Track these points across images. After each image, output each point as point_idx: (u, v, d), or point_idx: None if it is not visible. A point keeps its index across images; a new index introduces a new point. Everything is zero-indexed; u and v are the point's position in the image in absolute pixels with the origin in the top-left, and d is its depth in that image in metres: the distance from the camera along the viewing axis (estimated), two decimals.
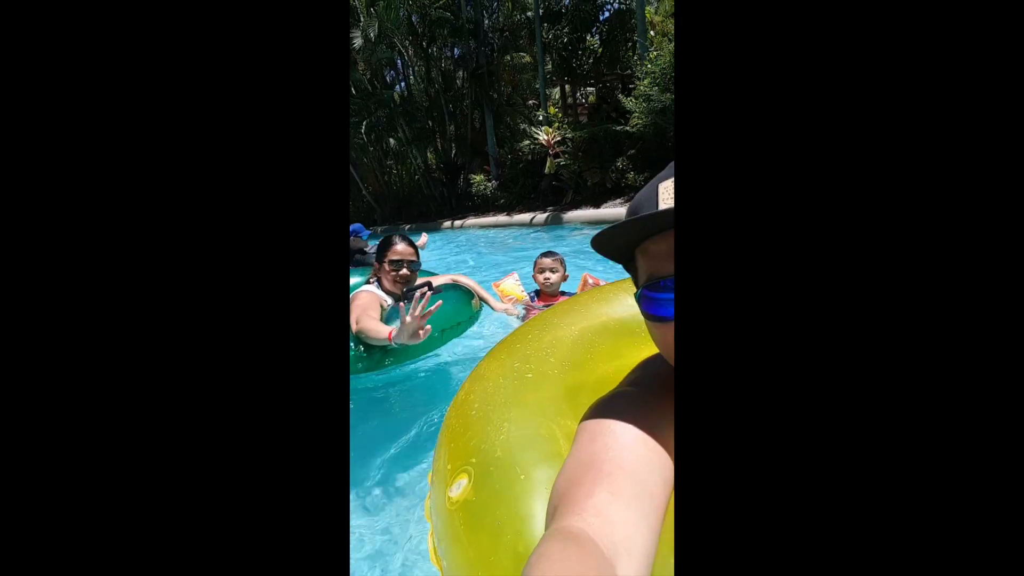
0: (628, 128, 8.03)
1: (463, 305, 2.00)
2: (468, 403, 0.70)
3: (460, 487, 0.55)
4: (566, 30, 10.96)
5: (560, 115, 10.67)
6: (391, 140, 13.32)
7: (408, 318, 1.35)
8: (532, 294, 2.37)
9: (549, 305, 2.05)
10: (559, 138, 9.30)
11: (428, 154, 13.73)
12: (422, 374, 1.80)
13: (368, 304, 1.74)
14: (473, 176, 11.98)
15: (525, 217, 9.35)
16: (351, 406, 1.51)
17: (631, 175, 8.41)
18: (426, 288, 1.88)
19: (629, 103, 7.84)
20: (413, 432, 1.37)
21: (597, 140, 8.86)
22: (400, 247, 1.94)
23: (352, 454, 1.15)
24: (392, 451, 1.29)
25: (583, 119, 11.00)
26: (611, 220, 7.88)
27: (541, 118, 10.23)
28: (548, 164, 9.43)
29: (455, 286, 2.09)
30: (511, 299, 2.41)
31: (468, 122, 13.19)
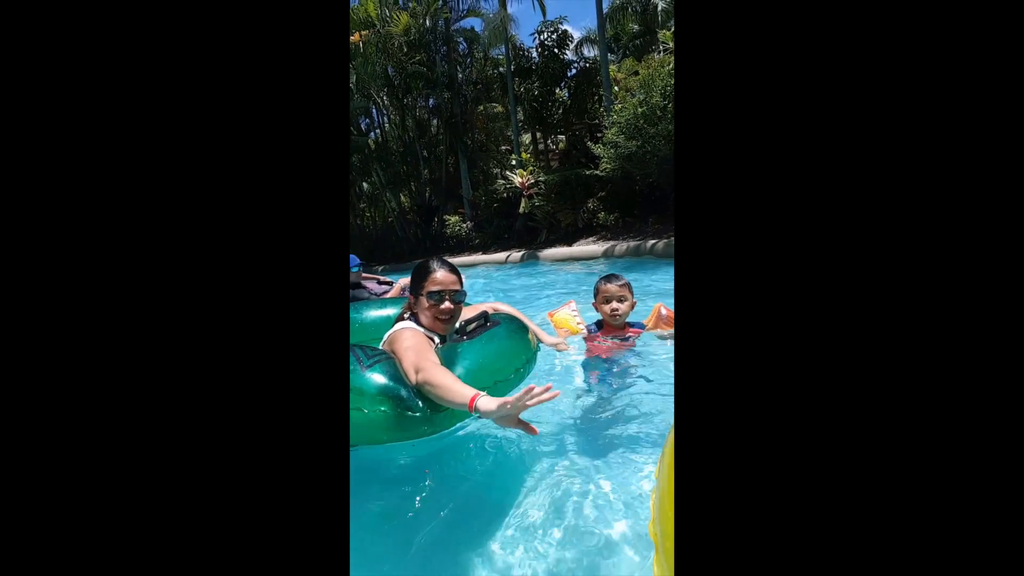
0: (598, 172, 8.56)
1: (522, 344, 1.40)
2: None
3: None
4: (536, 84, 11.78)
5: (532, 160, 11.24)
6: (364, 184, 13.55)
7: (516, 400, 0.91)
8: (592, 326, 1.98)
9: (617, 339, 1.87)
10: (533, 180, 9.75)
11: (402, 197, 13.99)
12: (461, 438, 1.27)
13: (422, 346, 1.23)
14: (448, 217, 12.27)
15: (500, 256, 9.58)
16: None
17: (602, 215, 8.88)
18: (486, 322, 1.42)
19: (598, 149, 8.40)
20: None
21: (569, 183, 9.36)
22: (440, 274, 1.41)
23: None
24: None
25: (554, 164, 11.63)
26: (584, 257, 8.24)
27: (514, 162, 10.74)
28: (523, 204, 9.82)
29: (510, 319, 1.50)
30: (565, 332, 2.04)
31: (443, 166, 13.64)
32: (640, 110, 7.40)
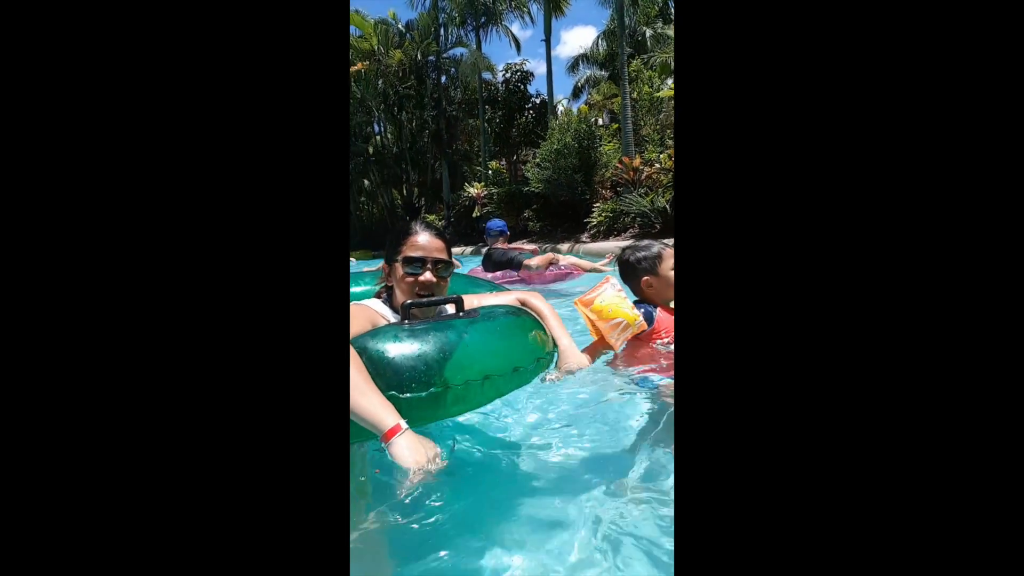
0: (532, 189, 11.17)
1: (523, 342, 1.01)
2: None
3: None
4: (500, 113, 14.45)
5: (504, 171, 13.87)
6: (365, 181, 16.37)
7: (433, 463, 0.69)
8: (642, 315, 1.22)
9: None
10: (486, 192, 12.43)
11: (394, 194, 16.80)
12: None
13: (355, 324, 0.90)
14: (427, 216, 15.00)
15: (457, 249, 12.35)
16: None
17: (532, 223, 11.52)
18: (455, 307, 0.99)
19: (529, 172, 11.03)
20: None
21: (512, 196, 11.99)
22: (422, 238, 1.05)
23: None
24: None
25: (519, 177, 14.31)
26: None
27: (489, 174, 13.43)
28: (476, 211, 12.52)
29: (516, 312, 1.07)
30: (618, 324, 1.18)
31: (429, 172, 16.35)
32: (555, 147, 9.99)
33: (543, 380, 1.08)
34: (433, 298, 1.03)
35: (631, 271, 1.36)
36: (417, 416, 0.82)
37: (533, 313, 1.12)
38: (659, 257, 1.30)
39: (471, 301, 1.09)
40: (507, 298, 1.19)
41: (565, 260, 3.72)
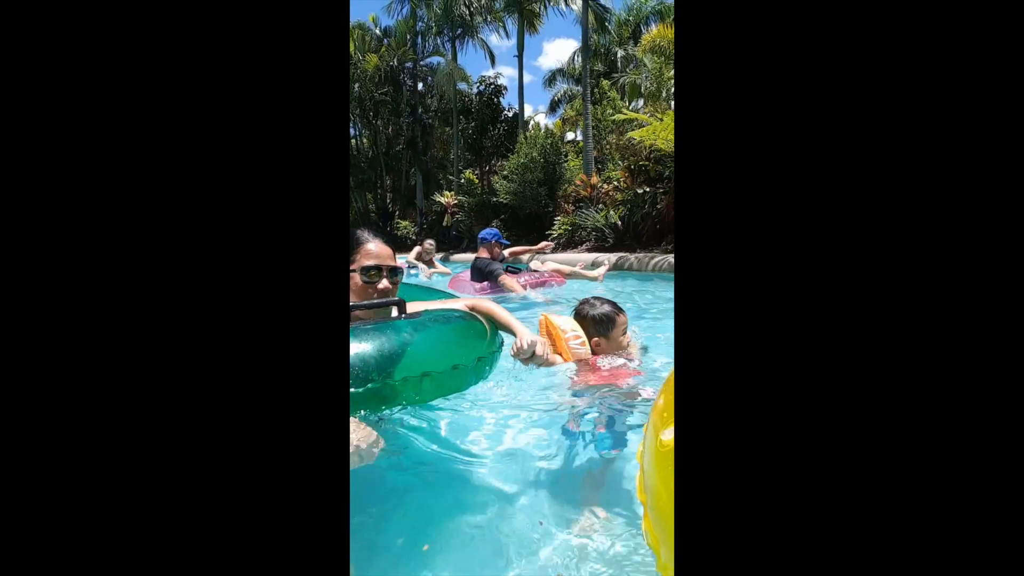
0: (500, 200, 11.44)
1: (463, 341, 1.07)
2: None
3: (671, 433, 0.58)
4: (473, 124, 14.74)
5: (476, 180, 14.13)
6: None
7: None
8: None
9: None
10: (456, 201, 12.67)
11: (368, 198, 16.89)
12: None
13: None
14: (401, 222, 15.13)
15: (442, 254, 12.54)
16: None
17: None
18: (396, 309, 1.05)
19: (497, 184, 11.32)
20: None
21: (483, 205, 12.25)
22: (375, 246, 1.08)
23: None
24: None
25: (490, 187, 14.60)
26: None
27: (463, 182, 13.67)
28: (446, 219, 12.74)
29: (460, 314, 1.13)
30: (577, 336, 1.35)
31: (403, 178, 16.49)
32: (522, 160, 10.30)
33: (514, 358, 1.14)
34: (374, 301, 1.06)
35: (584, 324, 1.42)
36: (356, 409, 0.89)
37: (482, 316, 1.17)
38: (613, 323, 1.39)
39: (416, 306, 1.14)
40: (456, 304, 1.25)
41: (544, 266, 3.49)
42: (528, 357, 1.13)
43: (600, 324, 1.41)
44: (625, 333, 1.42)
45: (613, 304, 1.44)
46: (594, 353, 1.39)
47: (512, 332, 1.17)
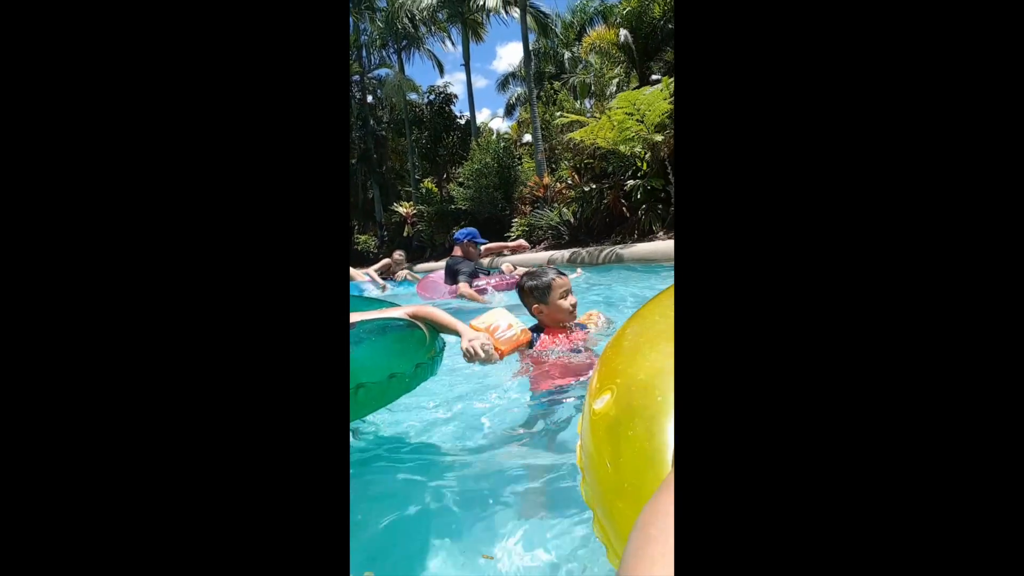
0: (458, 206, 11.55)
1: (400, 349, 1.09)
2: (623, 336, 0.76)
3: (603, 401, 0.62)
4: (426, 134, 14.83)
5: (436, 190, 14.18)
6: None
7: None
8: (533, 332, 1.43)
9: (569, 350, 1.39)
10: (415, 211, 12.71)
11: None
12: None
13: None
14: (359, 236, 14.99)
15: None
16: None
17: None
18: None
19: (454, 191, 11.42)
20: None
21: (443, 214, 12.33)
22: None
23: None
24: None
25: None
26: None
27: (422, 192, 13.69)
28: (406, 230, 12.77)
29: (397, 323, 1.16)
30: (508, 328, 1.34)
31: (360, 192, 16.34)
32: (476, 166, 10.46)
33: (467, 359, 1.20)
34: None
35: (525, 297, 1.50)
36: None
37: (421, 321, 1.18)
38: (549, 287, 1.43)
39: (351, 318, 1.13)
40: (395, 312, 1.24)
41: (517, 271, 3.38)
42: (485, 357, 1.19)
43: (536, 292, 1.45)
44: (568, 296, 1.45)
45: (553, 269, 1.49)
46: (540, 322, 1.45)
47: (456, 333, 1.22)
